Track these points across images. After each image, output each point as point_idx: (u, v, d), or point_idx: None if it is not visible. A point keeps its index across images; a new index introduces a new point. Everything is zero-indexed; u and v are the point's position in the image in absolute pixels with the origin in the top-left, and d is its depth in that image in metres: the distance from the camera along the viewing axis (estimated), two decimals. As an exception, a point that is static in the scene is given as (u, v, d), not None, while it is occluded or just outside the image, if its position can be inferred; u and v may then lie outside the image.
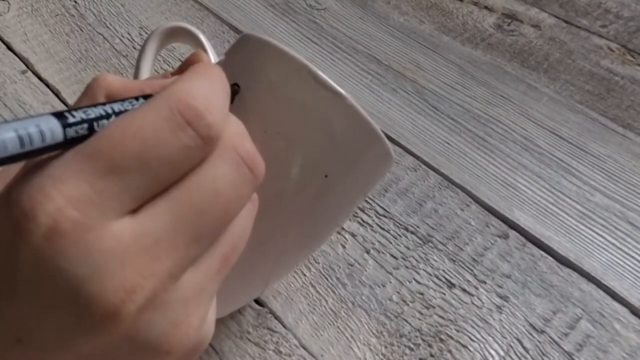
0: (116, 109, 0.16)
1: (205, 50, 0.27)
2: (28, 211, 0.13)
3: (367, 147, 0.23)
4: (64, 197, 0.14)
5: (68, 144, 0.15)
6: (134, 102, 0.17)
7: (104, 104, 0.16)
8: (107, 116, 0.16)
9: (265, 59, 0.22)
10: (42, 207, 0.13)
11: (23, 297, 0.14)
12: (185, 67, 0.24)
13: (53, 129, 0.14)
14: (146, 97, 0.17)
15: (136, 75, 0.28)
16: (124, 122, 0.15)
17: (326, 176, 0.22)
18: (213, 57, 0.27)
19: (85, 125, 0.15)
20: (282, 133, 0.21)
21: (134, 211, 0.15)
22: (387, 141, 0.23)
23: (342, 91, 0.21)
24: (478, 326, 0.32)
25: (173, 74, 0.24)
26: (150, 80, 0.20)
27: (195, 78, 0.17)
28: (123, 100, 0.17)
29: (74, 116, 0.15)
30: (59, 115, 0.14)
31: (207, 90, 0.16)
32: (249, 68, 0.22)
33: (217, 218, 0.16)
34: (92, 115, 0.15)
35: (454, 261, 0.35)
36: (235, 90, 0.21)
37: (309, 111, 0.21)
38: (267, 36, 0.22)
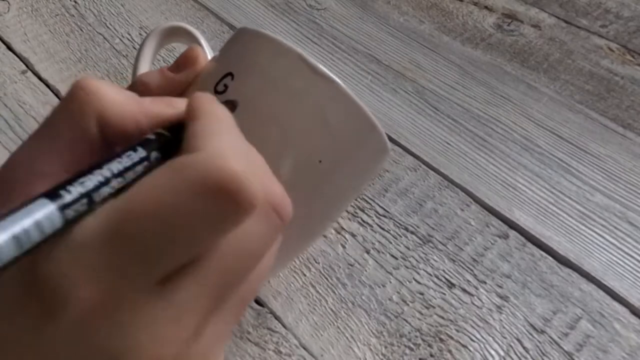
0: (115, 170, 0.14)
1: None
2: (58, 295, 0.14)
3: (360, 133, 0.23)
4: (92, 280, 0.14)
5: (69, 223, 0.14)
6: (132, 154, 0.15)
7: (99, 166, 0.14)
8: (106, 182, 0.14)
9: (258, 48, 0.22)
10: (74, 290, 0.14)
11: None
12: (181, 62, 0.24)
13: (50, 216, 0.13)
14: (144, 142, 0.16)
15: (134, 75, 0.28)
16: (153, 201, 0.14)
17: (320, 161, 0.22)
18: (210, 57, 0.27)
19: (85, 201, 0.14)
20: (276, 120, 0.21)
21: (162, 281, 0.15)
22: (380, 127, 0.23)
23: (335, 77, 0.21)
24: (478, 326, 0.32)
25: (169, 69, 0.24)
26: (146, 103, 0.18)
27: (213, 133, 0.15)
28: (119, 154, 0.15)
29: (69, 192, 0.13)
30: (53, 195, 0.13)
31: (236, 147, 0.15)
32: (243, 57, 0.23)
33: (243, 273, 0.16)
34: (91, 186, 0.14)
35: (454, 261, 0.35)
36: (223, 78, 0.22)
37: (302, 97, 0.22)
38: (262, 29, 0.23)
